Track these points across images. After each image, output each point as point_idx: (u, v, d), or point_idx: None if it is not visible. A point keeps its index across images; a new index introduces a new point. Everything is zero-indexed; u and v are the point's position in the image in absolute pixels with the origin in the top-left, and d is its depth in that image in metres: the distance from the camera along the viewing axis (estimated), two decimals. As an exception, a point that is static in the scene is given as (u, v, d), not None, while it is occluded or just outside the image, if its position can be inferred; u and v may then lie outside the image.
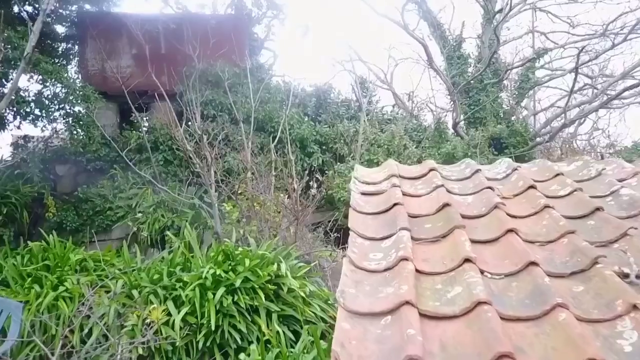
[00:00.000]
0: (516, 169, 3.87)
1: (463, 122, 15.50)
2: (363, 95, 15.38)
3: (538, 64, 16.75)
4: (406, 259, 2.46)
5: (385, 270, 2.48)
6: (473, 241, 2.71)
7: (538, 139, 14.74)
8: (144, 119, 11.73)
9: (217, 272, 6.38)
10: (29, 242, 8.12)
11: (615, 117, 20.99)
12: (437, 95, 20.82)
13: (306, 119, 12.57)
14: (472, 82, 14.77)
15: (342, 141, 12.35)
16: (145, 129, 11.84)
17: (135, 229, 9.68)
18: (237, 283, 6.29)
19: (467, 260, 2.43)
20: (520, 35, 17.57)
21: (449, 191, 3.49)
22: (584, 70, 17.41)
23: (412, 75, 32.61)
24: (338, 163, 12.10)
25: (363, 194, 3.55)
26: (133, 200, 10.57)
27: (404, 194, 3.44)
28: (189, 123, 10.17)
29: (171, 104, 10.17)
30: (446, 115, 14.28)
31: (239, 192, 9.33)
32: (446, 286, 2.32)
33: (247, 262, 6.55)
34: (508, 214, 3.03)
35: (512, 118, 15.71)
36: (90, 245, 10.80)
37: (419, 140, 13.17)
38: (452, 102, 13.33)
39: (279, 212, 9.14)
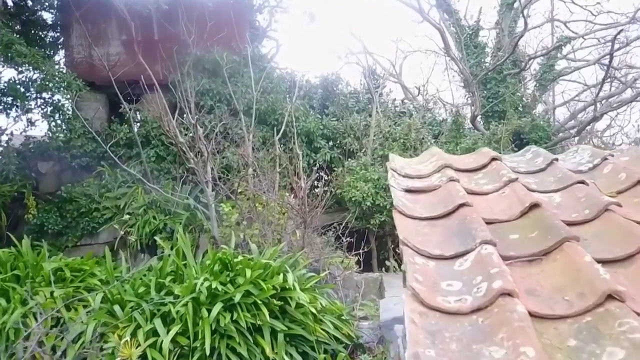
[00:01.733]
0: (606, 158, 2.95)
1: (480, 116, 14.56)
2: (374, 86, 14.46)
3: (560, 54, 15.81)
4: (509, 294, 1.54)
5: (475, 311, 1.56)
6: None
7: (561, 135, 13.82)
8: (135, 111, 10.79)
9: (213, 285, 5.47)
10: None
11: (635, 113, 19.91)
12: (450, 89, 19.91)
13: (312, 112, 11.64)
14: (489, 72, 13.82)
15: (352, 135, 11.42)
16: (136, 122, 10.92)
17: (123, 232, 8.76)
18: (237, 298, 5.38)
19: (610, 296, 1.51)
20: (540, 24, 16.63)
21: (526, 187, 2.58)
22: (606, 61, 16.44)
23: (423, 68, 31.74)
24: (348, 159, 11.18)
25: (408, 191, 2.63)
26: (122, 201, 9.64)
27: (466, 191, 2.53)
28: (184, 115, 9.27)
29: (165, 94, 9.25)
30: (463, 109, 13.34)
31: (239, 191, 8.41)
32: (587, 343, 1.40)
33: (248, 272, 5.63)
34: (631, 220, 2.11)
35: (534, 112, 14.78)
36: (74, 250, 9.91)
37: (434, 134, 12.23)
38: (470, 94, 12.40)
39: (284, 214, 8.22)
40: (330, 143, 11.80)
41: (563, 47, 15.30)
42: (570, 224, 2.16)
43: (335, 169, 11.07)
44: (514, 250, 1.96)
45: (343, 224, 9.08)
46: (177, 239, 7.46)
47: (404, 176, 2.83)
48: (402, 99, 19.09)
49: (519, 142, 14.52)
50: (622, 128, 21.96)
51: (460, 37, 14.27)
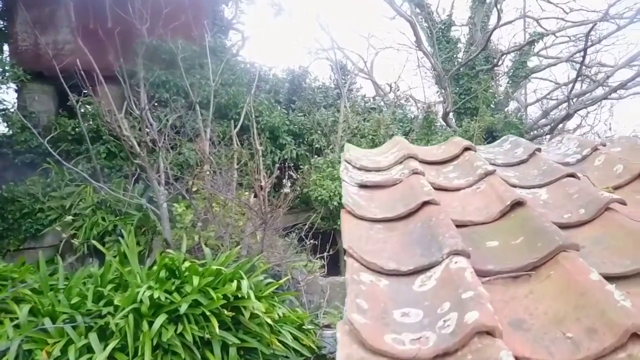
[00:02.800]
0: (597, 149, 2.51)
1: (452, 112, 14.24)
2: (343, 81, 14.01)
3: (532, 51, 15.61)
4: (489, 333, 1.06)
5: (440, 358, 1.07)
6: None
7: (534, 132, 13.60)
8: (86, 104, 10.07)
9: (156, 295, 4.90)
10: None
11: (604, 113, 19.97)
12: (422, 86, 19.64)
13: (278, 106, 11.09)
14: (462, 68, 13.50)
15: (319, 132, 10.92)
16: (87, 116, 10.19)
17: (67, 235, 8.08)
18: (183, 308, 4.83)
19: (636, 335, 1.04)
20: (512, 20, 16.41)
21: (505, 182, 2.12)
22: (578, 58, 16.34)
23: (395, 65, 31.44)
24: (315, 156, 10.67)
25: (363, 186, 2.14)
26: (68, 201, 8.94)
27: (433, 187, 2.05)
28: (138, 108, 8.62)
29: (118, 86, 8.60)
30: (435, 105, 12.97)
31: (195, 189, 7.82)
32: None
33: (196, 280, 5.08)
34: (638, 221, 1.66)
35: (506, 109, 14.54)
36: (17, 254, 9.16)
37: (405, 132, 11.83)
38: (442, 90, 12.04)
39: (243, 214, 7.67)
40: (297, 139, 11.29)
41: (535, 44, 15.10)
42: (563, 226, 1.71)
43: (302, 166, 10.56)
44: (494, 263, 1.49)
45: (308, 225, 8.59)
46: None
47: (359, 169, 2.34)
48: (374, 95, 18.75)
49: (492, 139, 14.27)
50: (592, 127, 22.08)
51: (432, 31, 13.91)
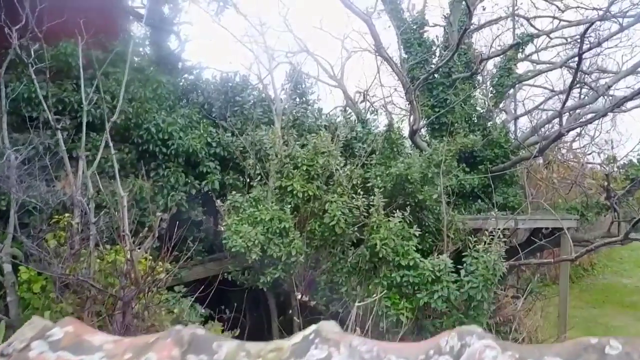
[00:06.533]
0: None
1: (425, 129, 12.37)
2: (297, 91, 12.14)
3: (521, 55, 13.78)
4: None
5: None
6: None
7: (523, 153, 11.77)
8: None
9: None
10: None
11: (607, 122, 18.11)
12: (395, 95, 17.76)
13: (201, 125, 9.16)
14: (436, 75, 11.65)
15: (254, 156, 9.03)
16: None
17: None
18: None
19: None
20: (497, 19, 14.61)
21: None
22: (574, 64, 14.50)
23: (369, 71, 29.51)
24: (251, 184, 8.76)
25: None
26: None
27: None
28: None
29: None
30: (403, 120, 11.07)
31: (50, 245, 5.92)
32: None
33: None
34: None
35: (489, 124, 12.67)
36: None
37: (367, 154, 9.88)
38: (408, 103, 10.19)
39: (111, 284, 5.79)
40: (229, 164, 9.42)
41: (524, 47, 13.28)
42: None
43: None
44: None
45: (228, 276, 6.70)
46: None
47: None
48: (345, 105, 16.91)
49: (472, 160, 12.43)
50: (593, 139, 20.26)
51: (398, 31, 12.00)
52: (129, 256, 5.44)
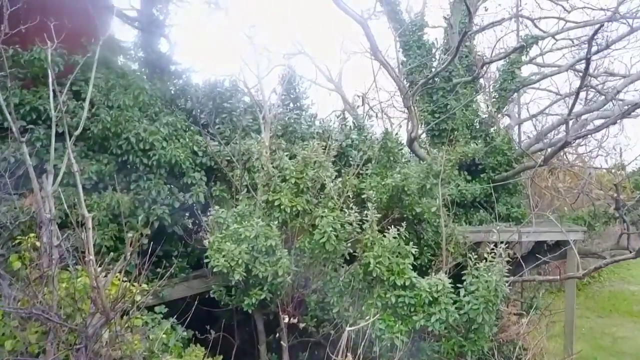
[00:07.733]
0: None
1: (425, 135, 11.92)
2: (290, 96, 11.69)
3: (525, 58, 13.29)
4: None
5: None
6: None
7: (527, 161, 11.29)
8: None
9: None
10: None
11: (614, 126, 17.55)
12: (395, 99, 17.29)
13: (186, 134, 8.73)
14: (436, 79, 11.18)
15: (242, 167, 8.60)
16: None
17: None
18: None
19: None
20: (500, 20, 14.12)
21: None
22: (581, 67, 13.98)
23: (368, 74, 28.92)
24: (237, 197, 8.34)
25: None
26: None
27: None
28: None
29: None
30: (401, 126, 10.63)
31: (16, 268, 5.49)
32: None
33: None
34: None
35: (492, 130, 12.20)
36: None
37: (362, 163, 9.40)
38: (406, 109, 9.74)
39: (80, 309, 5.35)
40: (217, 175, 8.98)
41: (528, 49, 12.80)
42: None
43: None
44: None
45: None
46: None
47: None
48: (343, 110, 16.47)
49: (474, 168, 11.95)
50: (600, 143, 19.70)
51: (396, 33, 11.54)
52: (94, 283, 5.00)
